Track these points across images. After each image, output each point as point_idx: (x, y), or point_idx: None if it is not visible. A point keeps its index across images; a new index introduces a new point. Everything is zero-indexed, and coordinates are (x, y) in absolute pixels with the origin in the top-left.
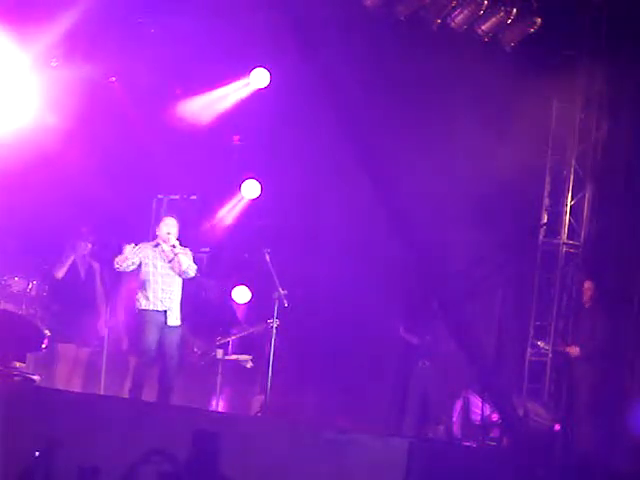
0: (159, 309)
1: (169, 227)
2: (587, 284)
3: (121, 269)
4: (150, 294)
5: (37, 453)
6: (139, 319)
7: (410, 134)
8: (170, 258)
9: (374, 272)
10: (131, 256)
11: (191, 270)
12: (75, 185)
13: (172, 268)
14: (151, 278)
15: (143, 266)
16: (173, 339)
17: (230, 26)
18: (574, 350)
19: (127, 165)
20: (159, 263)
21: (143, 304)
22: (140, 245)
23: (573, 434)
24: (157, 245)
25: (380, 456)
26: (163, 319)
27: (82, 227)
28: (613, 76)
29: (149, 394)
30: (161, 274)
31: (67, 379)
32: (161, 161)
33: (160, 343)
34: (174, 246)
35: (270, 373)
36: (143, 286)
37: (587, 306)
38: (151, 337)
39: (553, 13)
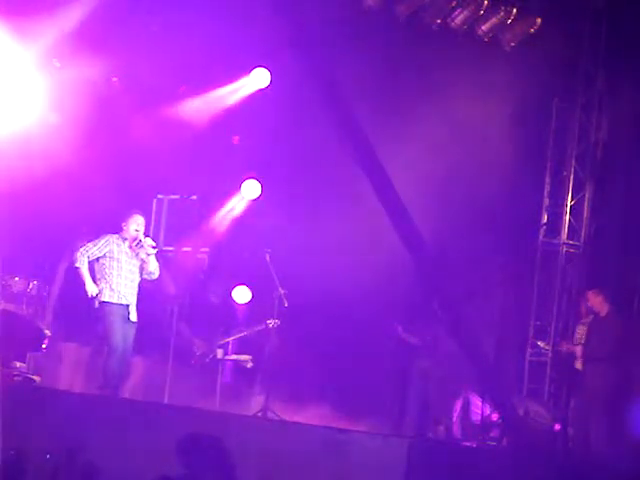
0: (123, 303)
1: (140, 226)
2: (589, 294)
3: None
4: (114, 287)
5: (48, 456)
6: (104, 311)
7: (410, 134)
8: (141, 257)
9: (374, 272)
10: (97, 252)
11: (157, 272)
12: (75, 185)
13: (140, 266)
14: (115, 272)
15: (108, 260)
16: (133, 334)
17: (230, 26)
18: (577, 349)
19: (127, 165)
20: (123, 258)
21: (107, 295)
22: (107, 239)
23: (579, 438)
24: (125, 240)
25: (380, 456)
26: (127, 314)
27: (82, 227)
28: (613, 76)
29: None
30: (124, 269)
31: (68, 378)
32: (161, 161)
33: (124, 337)
34: (144, 246)
35: (270, 373)
36: (106, 279)
37: (603, 314)
38: (119, 332)
39: (553, 13)
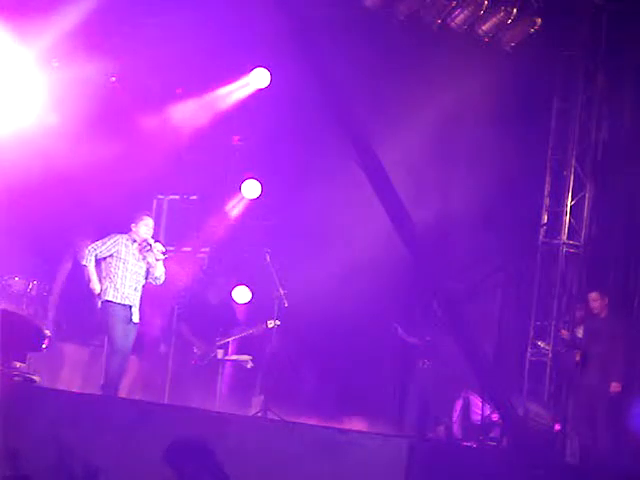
0: (125, 303)
1: (150, 228)
2: (593, 295)
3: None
4: (118, 287)
5: None
6: (106, 311)
7: (410, 133)
8: (149, 260)
9: (374, 272)
10: (106, 252)
11: (163, 277)
12: (75, 185)
13: (146, 270)
14: (120, 273)
15: (114, 260)
16: (134, 335)
17: (230, 26)
18: (616, 386)
19: (127, 165)
20: (130, 260)
21: (111, 295)
22: (116, 239)
23: (579, 438)
24: (134, 241)
25: (380, 456)
26: (129, 315)
27: (82, 227)
28: (613, 76)
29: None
30: (130, 271)
31: (67, 378)
32: (161, 161)
33: (125, 337)
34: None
35: (270, 373)
36: (111, 278)
37: (602, 316)
38: (120, 333)
39: (553, 13)
